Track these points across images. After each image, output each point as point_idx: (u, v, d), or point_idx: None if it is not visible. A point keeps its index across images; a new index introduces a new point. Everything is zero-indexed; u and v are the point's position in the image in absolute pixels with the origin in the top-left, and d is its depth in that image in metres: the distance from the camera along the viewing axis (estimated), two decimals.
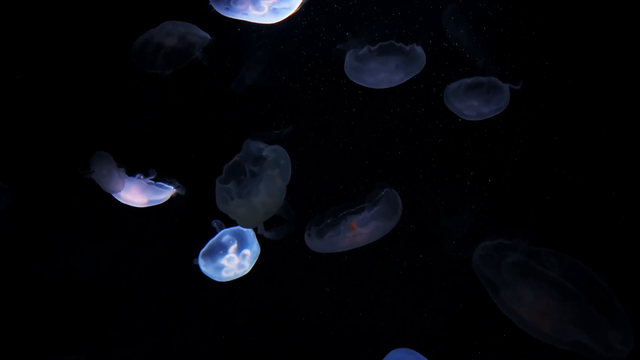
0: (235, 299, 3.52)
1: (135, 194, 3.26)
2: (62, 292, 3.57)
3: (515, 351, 3.24)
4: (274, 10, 3.13)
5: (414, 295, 3.49)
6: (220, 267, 3.14)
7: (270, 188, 2.97)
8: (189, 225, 3.49)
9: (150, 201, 3.29)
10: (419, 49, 3.30)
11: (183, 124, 3.48)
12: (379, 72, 3.28)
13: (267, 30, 3.36)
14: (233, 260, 3.13)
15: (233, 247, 3.11)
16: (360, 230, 3.13)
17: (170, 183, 3.26)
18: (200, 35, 3.18)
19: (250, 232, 3.19)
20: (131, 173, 3.24)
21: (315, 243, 3.18)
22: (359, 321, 3.51)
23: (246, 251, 3.14)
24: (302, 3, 3.15)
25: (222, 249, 3.13)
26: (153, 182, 3.25)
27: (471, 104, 3.41)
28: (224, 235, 3.16)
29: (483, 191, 3.43)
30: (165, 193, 3.27)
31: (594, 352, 2.71)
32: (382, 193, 3.19)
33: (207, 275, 3.22)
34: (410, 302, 3.51)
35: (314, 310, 3.55)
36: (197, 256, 3.23)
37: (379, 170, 3.48)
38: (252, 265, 3.22)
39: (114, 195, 3.30)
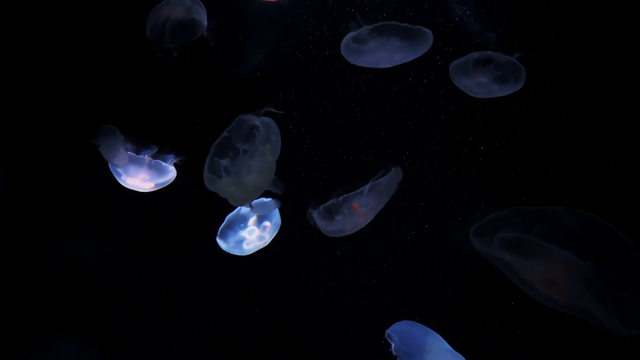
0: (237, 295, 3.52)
1: (140, 176, 3.25)
2: (62, 290, 3.54)
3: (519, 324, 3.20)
4: None
5: (420, 270, 3.46)
6: (241, 240, 3.14)
7: (261, 164, 2.93)
8: (192, 215, 3.47)
9: (156, 184, 3.27)
10: (425, 31, 3.18)
11: (187, 107, 3.46)
12: (378, 51, 3.18)
13: (272, 12, 3.37)
14: (254, 232, 3.12)
15: (253, 220, 3.11)
16: (362, 210, 3.08)
17: (169, 154, 3.24)
18: (203, 14, 3.22)
19: (271, 204, 3.18)
20: (137, 151, 3.22)
21: (320, 224, 3.14)
22: (365, 296, 3.48)
23: (267, 223, 3.15)
24: None
25: (242, 221, 3.12)
26: (153, 158, 3.25)
27: (480, 81, 3.25)
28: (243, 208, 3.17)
29: (488, 171, 3.35)
30: (170, 174, 3.25)
31: (608, 318, 2.32)
32: (385, 173, 3.14)
33: (227, 250, 3.21)
34: (416, 276, 3.48)
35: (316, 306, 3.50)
36: (214, 236, 3.22)
37: (383, 149, 3.43)
38: (272, 237, 3.23)
39: (120, 181, 3.28)
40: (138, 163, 3.22)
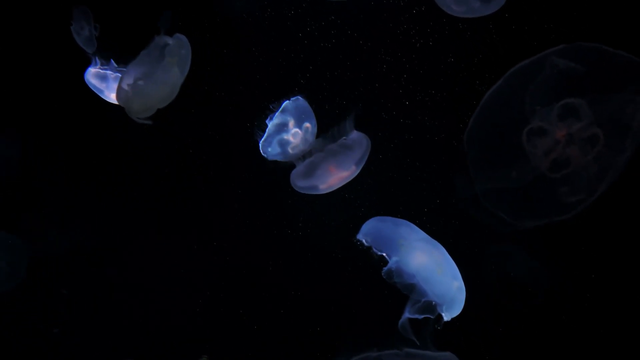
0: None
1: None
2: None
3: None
4: None
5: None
6: (286, 143, 3.18)
7: (166, 76, 3.08)
8: None
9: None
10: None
11: None
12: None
13: None
14: (298, 135, 3.17)
15: (292, 122, 3.16)
16: (338, 172, 3.14)
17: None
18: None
19: (305, 106, 3.21)
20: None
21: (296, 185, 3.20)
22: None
23: (307, 124, 3.19)
24: None
25: (284, 126, 3.18)
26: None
27: None
28: (280, 115, 3.19)
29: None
30: None
31: None
32: (356, 136, 3.12)
33: (272, 157, 3.20)
34: None
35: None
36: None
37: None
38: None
39: (104, 97, 3.40)
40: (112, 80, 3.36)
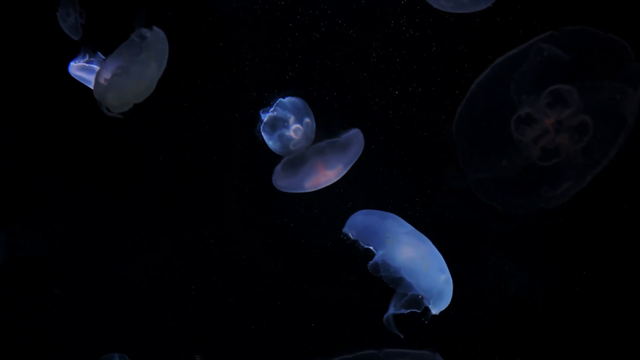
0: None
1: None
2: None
3: None
4: None
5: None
6: (288, 140, 3.15)
7: (142, 70, 3.05)
8: None
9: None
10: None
11: None
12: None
13: None
14: (299, 131, 3.15)
15: (292, 119, 3.15)
16: (327, 172, 3.12)
17: None
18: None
19: (301, 104, 3.18)
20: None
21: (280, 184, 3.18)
22: None
23: (308, 119, 3.17)
24: None
25: (284, 122, 3.16)
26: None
27: None
28: (278, 111, 3.18)
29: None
30: None
31: None
32: (351, 135, 3.08)
33: (274, 149, 3.18)
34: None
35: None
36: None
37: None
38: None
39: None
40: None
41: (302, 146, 3.14)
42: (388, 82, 3.20)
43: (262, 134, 3.14)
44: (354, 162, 3.13)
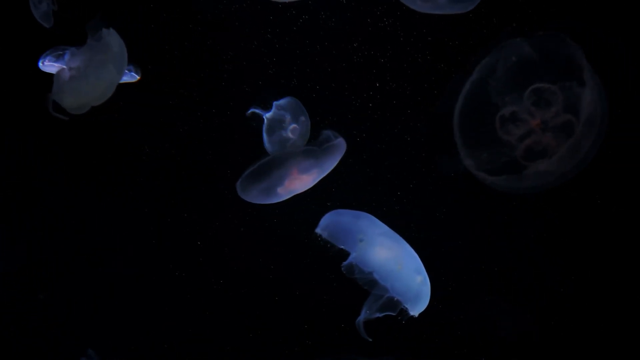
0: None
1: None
2: None
3: None
4: None
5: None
6: (286, 140, 3.16)
7: (98, 71, 3.04)
8: None
9: None
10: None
11: None
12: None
13: None
14: (296, 131, 3.16)
15: (289, 119, 3.18)
16: (300, 176, 3.05)
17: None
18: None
19: (295, 103, 3.18)
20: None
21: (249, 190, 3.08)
22: None
23: (303, 118, 3.17)
24: None
25: (281, 122, 3.19)
26: None
27: None
28: (275, 111, 3.18)
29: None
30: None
31: None
32: (330, 142, 3.01)
33: (271, 150, 3.16)
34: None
35: None
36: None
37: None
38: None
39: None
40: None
41: (297, 145, 3.13)
42: (367, 83, 3.21)
43: (263, 135, 3.12)
44: (330, 169, 3.10)
